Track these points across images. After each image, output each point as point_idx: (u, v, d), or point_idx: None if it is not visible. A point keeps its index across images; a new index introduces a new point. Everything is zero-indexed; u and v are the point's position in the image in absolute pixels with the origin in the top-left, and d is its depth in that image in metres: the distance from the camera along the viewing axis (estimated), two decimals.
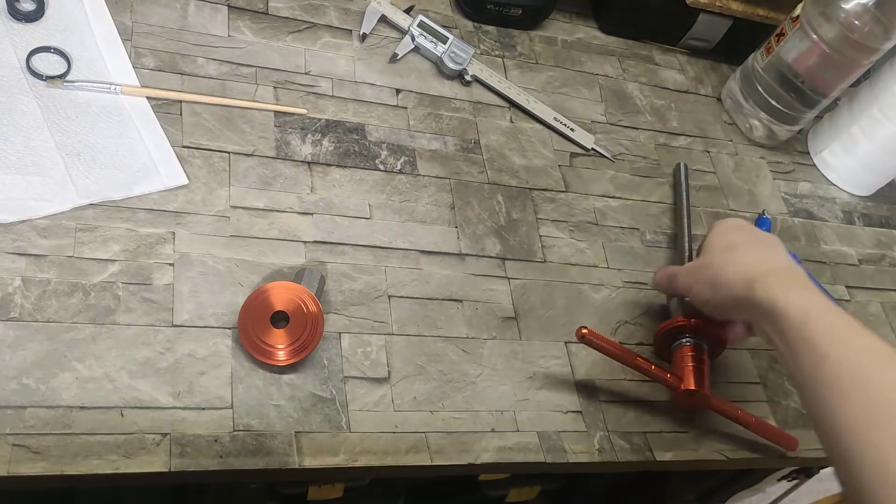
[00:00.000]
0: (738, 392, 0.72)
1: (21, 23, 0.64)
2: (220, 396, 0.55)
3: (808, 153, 0.96)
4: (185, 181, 0.62)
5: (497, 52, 0.85)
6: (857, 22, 0.80)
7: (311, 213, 0.66)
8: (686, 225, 0.78)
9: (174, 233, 0.60)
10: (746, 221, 0.65)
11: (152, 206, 0.61)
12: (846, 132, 0.91)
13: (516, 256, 0.71)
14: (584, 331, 0.60)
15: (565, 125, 0.82)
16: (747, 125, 0.92)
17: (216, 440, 0.53)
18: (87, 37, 0.66)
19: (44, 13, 0.66)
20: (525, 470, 0.62)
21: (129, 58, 0.67)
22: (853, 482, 0.39)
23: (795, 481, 0.94)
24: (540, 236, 0.73)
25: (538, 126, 0.82)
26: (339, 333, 0.61)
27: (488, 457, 0.59)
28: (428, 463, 0.58)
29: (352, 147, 0.71)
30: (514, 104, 0.81)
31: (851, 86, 0.88)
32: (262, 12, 0.76)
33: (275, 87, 0.72)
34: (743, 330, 0.64)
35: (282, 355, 0.56)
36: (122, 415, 0.52)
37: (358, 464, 0.56)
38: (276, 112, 0.70)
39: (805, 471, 0.92)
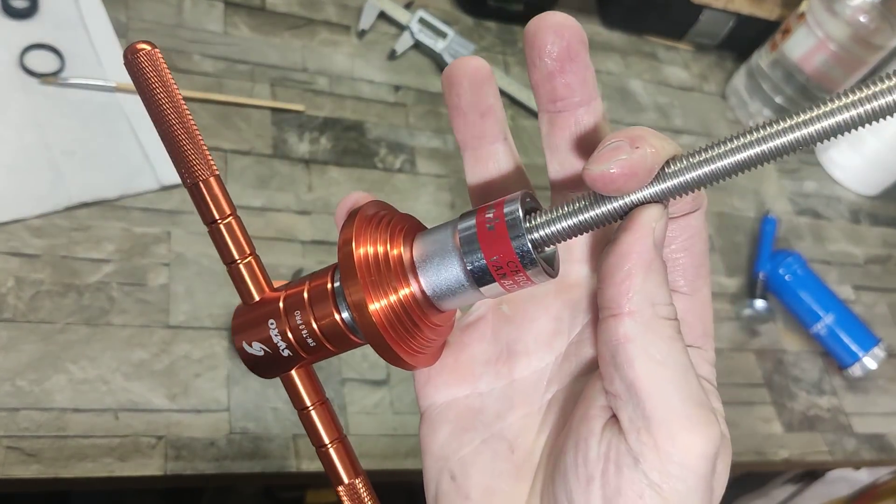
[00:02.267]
0: (742, 394, 0.71)
1: (14, 19, 0.64)
2: (217, 399, 0.54)
3: (814, 152, 0.95)
4: (180, 180, 0.61)
5: (498, 49, 0.84)
6: (863, 19, 0.79)
7: (309, 213, 0.65)
8: None
9: (169, 232, 0.59)
10: None
11: (147, 206, 0.60)
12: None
13: None
14: None
15: None
16: (752, 123, 0.91)
17: (212, 443, 0.52)
18: (82, 33, 0.65)
19: (37, 10, 0.65)
20: None
21: None
22: None
23: (800, 484, 0.93)
24: None
25: None
26: None
27: None
28: None
29: (350, 145, 0.70)
30: (515, 101, 0.80)
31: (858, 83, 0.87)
32: (258, 8, 0.75)
33: (272, 84, 0.71)
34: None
35: None
36: (117, 417, 0.51)
37: None
38: (273, 109, 0.69)
39: (811, 474, 0.91)
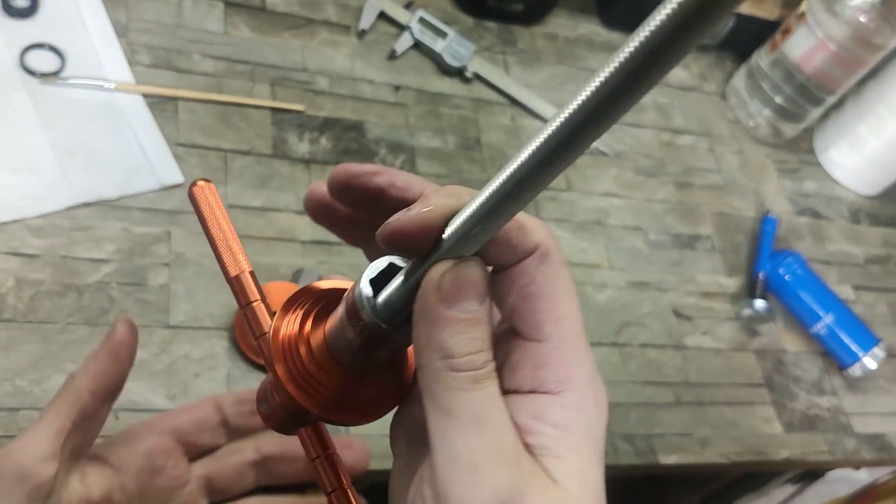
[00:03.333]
0: (742, 394, 0.70)
1: (14, 19, 0.63)
2: None
3: (814, 152, 0.95)
4: (180, 180, 0.61)
5: (498, 49, 0.84)
6: (863, 19, 0.79)
7: None
8: None
9: (169, 232, 0.59)
10: None
11: (147, 206, 0.60)
12: (852, 130, 0.90)
13: None
14: None
15: None
16: (752, 123, 0.91)
17: None
18: (82, 33, 0.65)
19: (38, 9, 0.65)
20: None
21: (125, 54, 0.66)
22: None
23: (800, 484, 0.93)
24: None
25: (540, 124, 0.80)
26: None
27: None
28: None
29: (350, 145, 0.70)
30: (515, 101, 0.80)
31: (858, 83, 0.87)
32: (258, 8, 0.75)
33: (272, 84, 0.71)
34: None
35: None
36: (117, 417, 0.51)
37: None
38: (273, 109, 0.69)
39: (811, 474, 0.90)
